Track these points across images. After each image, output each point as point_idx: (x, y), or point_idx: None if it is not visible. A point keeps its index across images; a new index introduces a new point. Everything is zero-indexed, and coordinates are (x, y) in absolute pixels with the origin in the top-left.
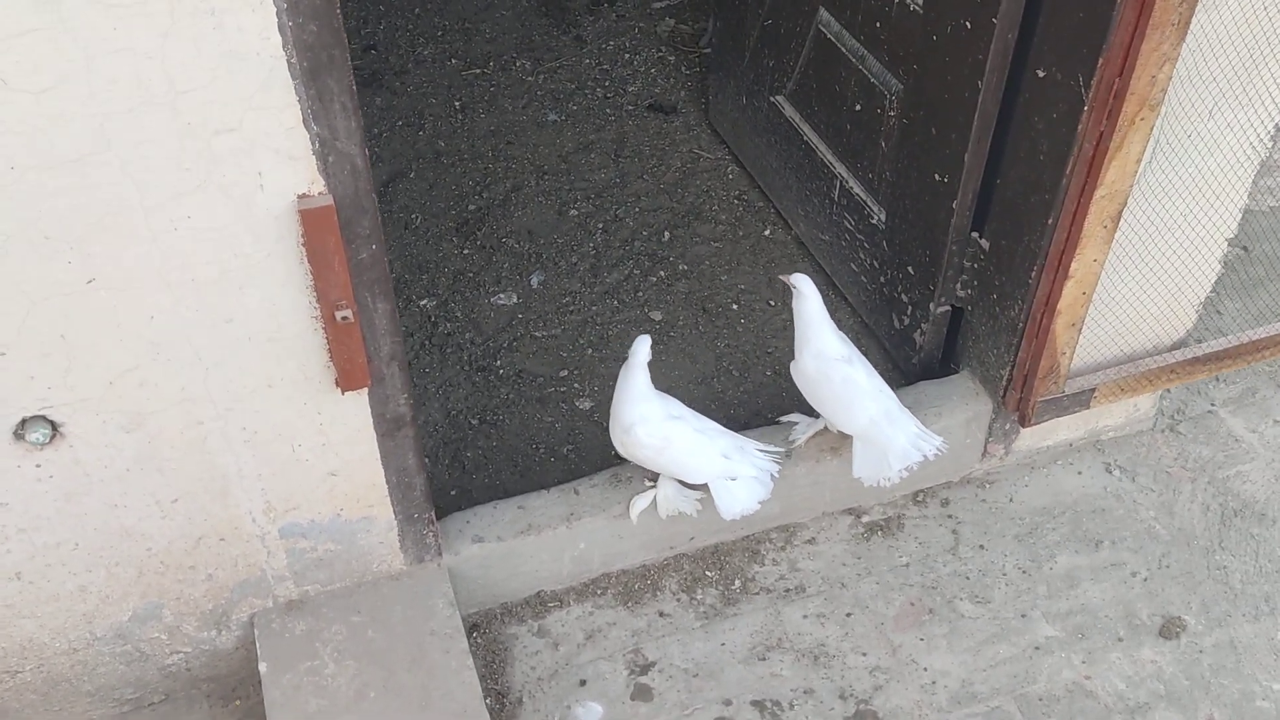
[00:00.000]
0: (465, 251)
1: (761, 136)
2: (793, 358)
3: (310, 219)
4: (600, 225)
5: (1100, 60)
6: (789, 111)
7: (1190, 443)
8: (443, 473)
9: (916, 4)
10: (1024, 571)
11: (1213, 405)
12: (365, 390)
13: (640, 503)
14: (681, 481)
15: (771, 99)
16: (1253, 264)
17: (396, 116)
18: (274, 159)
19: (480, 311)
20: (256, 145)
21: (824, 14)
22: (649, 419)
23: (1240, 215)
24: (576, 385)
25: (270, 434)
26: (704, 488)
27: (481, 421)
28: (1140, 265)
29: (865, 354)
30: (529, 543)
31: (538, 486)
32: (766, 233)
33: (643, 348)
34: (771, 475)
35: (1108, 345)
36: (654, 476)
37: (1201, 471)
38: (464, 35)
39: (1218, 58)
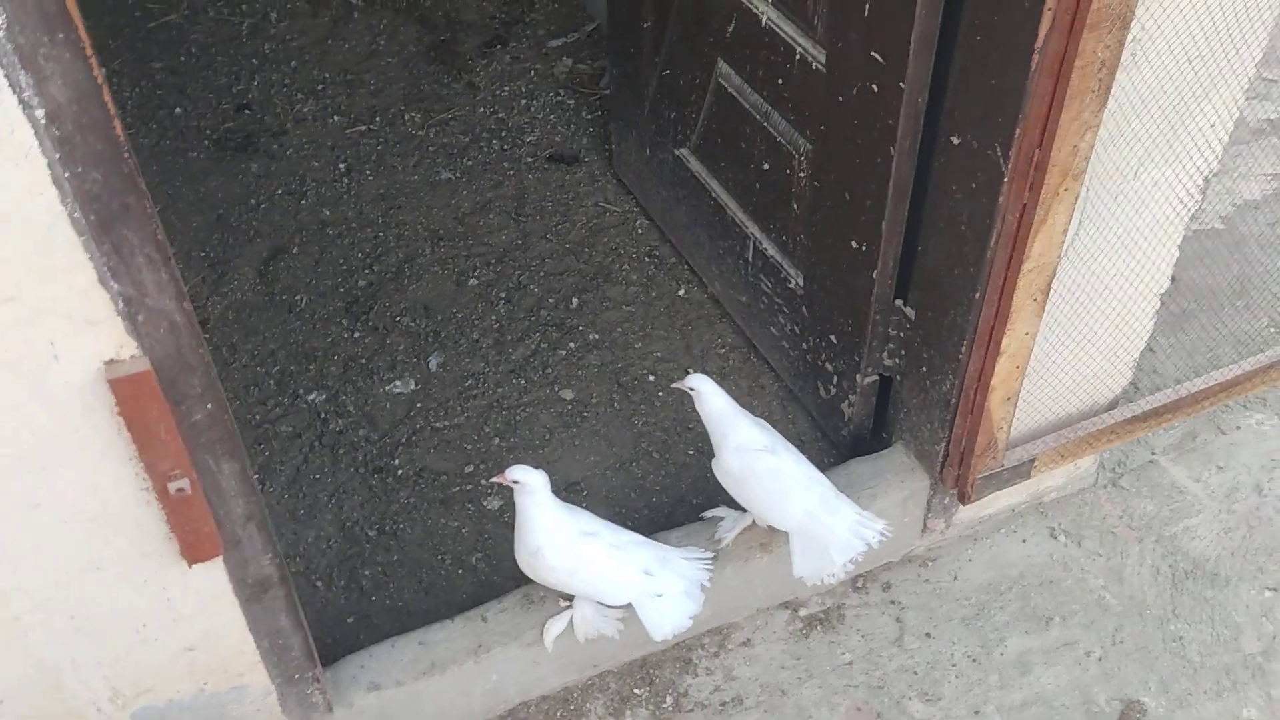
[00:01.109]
0: (356, 334)
1: (668, 190)
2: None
3: (123, 387)
4: (502, 295)
5: (1017, 130)
6: (694, 166)
7: (1134, 498)
8: (338, 596)
9: (819, 63)
10: (974, 660)
11: (1153, 454)
12: (219, 558)
13: (555, 627)
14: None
15: (675, 152)
16: (1180, 294)
17: (275, 184)
18: (67, 326)
19: (375, 403)
20: (42, 313)
21: (723, 66)
22: (556, 539)
23: (1172, 270)
24: (484, 482)
25: (106, 618)
26: (627, 606)
27: (380, 532)
28: (1073, 330)
29: (793, 423)
30: (433, 684)
31: (444, 605)
32: (681, 292)
33: (537, 482)
34: (701, 586)
35: (1044, 411)
36: (570, 596)
37: (1148, 530)
38: (347, 88)
39: (1140, 117)
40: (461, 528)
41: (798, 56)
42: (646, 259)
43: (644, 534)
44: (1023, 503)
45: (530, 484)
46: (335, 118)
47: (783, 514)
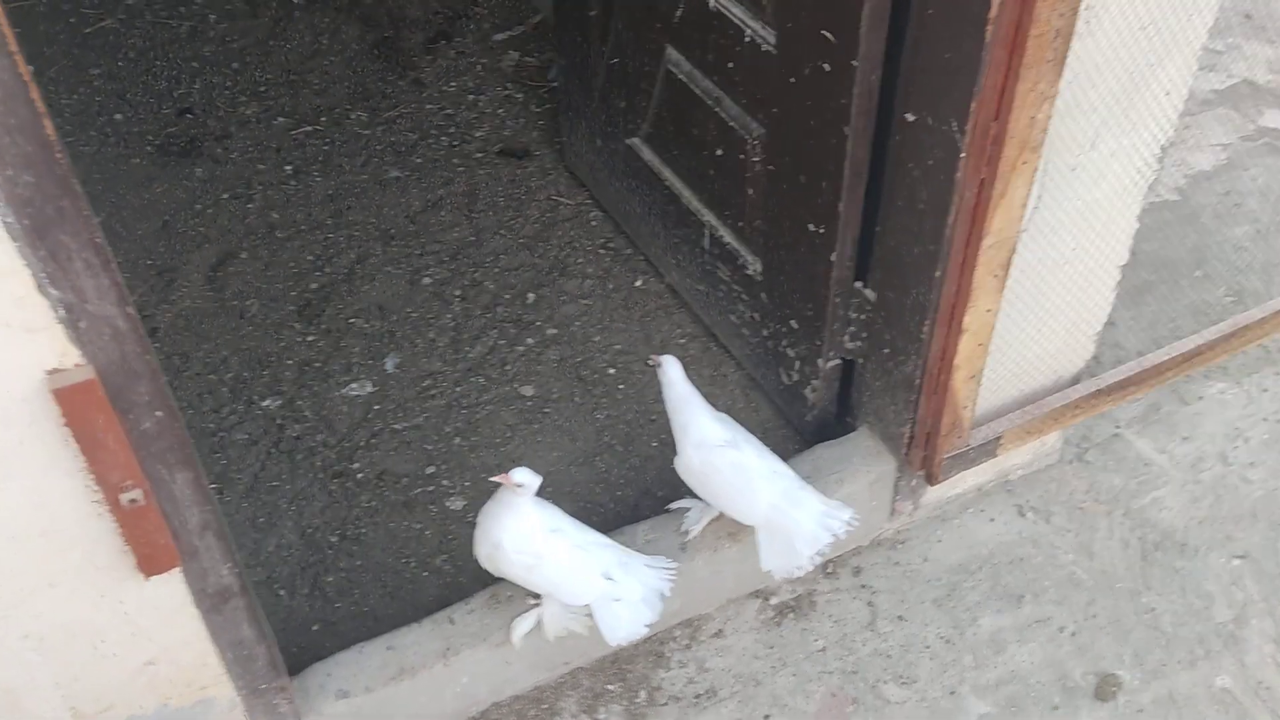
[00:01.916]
0: (310, 338)
1: (621, 180)
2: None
3: (68, 397)
4: (457, 292)
5: (973, 104)
6: (647, 155)
7: (1100, 472)
8: (302, 604)
9: (769, 44)
10: (947, 641)
11: (1118, 427)
12: (177, 569)
13: (523, 624)
14: None
15: (627, 141)
16: (1138, 266)
17: (221, 188)
18: (5, 335)
19: (331, 407)
20: None
21: (672, 53)
22: (519, 534)
23: (1131, 242)
24: (446, 482)
25: (62, 636)
26: (587, 606)
27: (342, 537)
28: (1034, 305)
29: (756, 411)
30: (403, 689)
31: (410, 608)
32: (638, 284)
33: (536, 485)
34: (661, 595)
35: (1008, 388)
36: (537, 594)
37: (1116, 503)
38: (290, 88)
39: (1096, 86)
40: (425, 530)
41: (747, 38)
42: (602, 251)
43: (610, 529)
44: (989, 481)
45: (526, 484)
46: (280, 119)
47: (747, 509)
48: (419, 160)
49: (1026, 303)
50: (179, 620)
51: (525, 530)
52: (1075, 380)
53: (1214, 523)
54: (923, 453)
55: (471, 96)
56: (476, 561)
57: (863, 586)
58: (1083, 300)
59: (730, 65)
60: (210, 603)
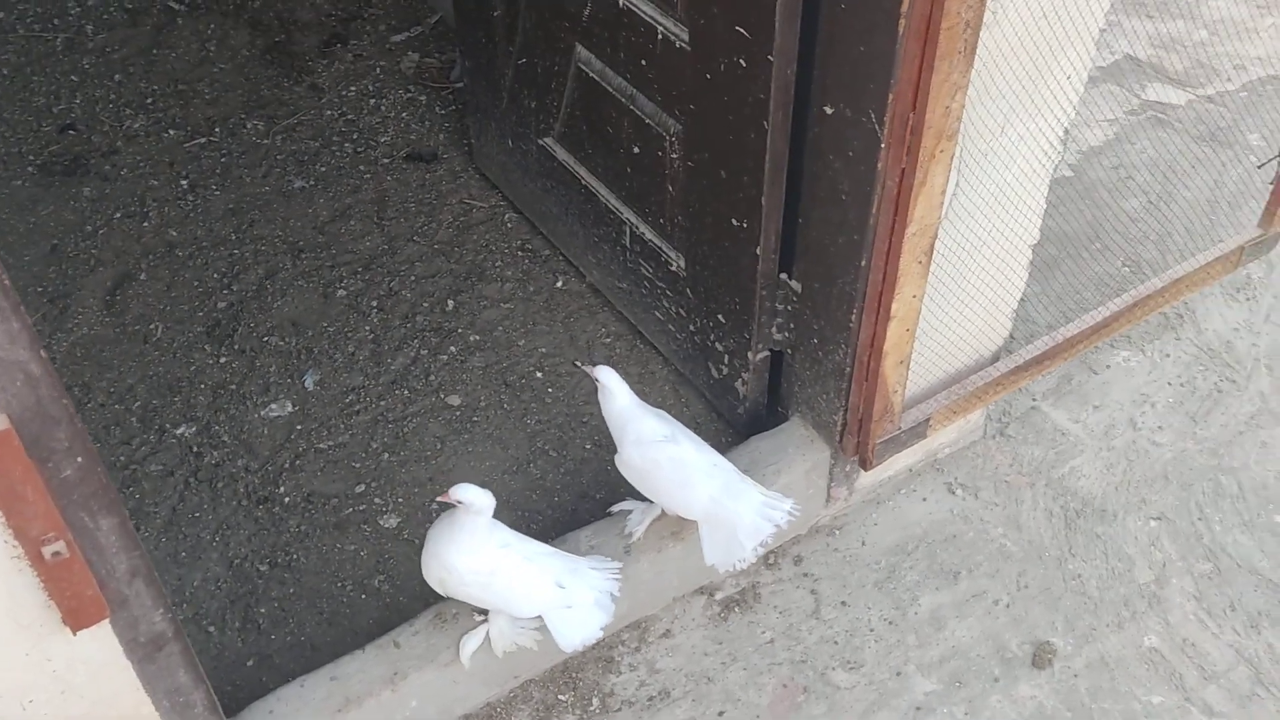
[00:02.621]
0: (222, 359)
1: (535, 181)
2: (614, 448)
3: None
4: (374, 303)
5: (890, 96)
6: (561, 155)
7: (1021, 445)
8: (234, 639)
9: (683, 41)
10: (890, 623)
11: (1034, 401)
12: (106, 620)
13: (471, 642)
14: None
15: (540, 142)
16: (1043, 243)
17: (113, 207)
18: None
19: (251, 430)
20: None
21: (582, 51)
22: (472, 554)
23: (1041, 221)
24: (377, 500)
25: None
26: (538, 618)
27: (272, 565)
28: (954, 288)
29: (686, 406)
30: (350, 719)
31: (350, 634)
32: (559, 284)
33: (484, 503)
34: (611, 595)
35: (933, 370)
36: (484, 610)
37: (1038, 474)
38: (179, 99)
39: (1003, 73)
40: (359, 551)
41: (660, 36)
42: (519, 253)
43: (550, 536)
44: (919, 462)
45: (478, 505)
46: (170, 132)
47: (688, 503)
48: (323, 169)
49: (948, 286)
50: (110, 673)
51: (478, 550)
52: (995, 357)
53: (1129, 487)
54: (856, 439)
55: (373, 100)
56: (416, 580)
57: (805, 575)
58: (1000, 280)
59: (643, 63)
60: (143, 652)
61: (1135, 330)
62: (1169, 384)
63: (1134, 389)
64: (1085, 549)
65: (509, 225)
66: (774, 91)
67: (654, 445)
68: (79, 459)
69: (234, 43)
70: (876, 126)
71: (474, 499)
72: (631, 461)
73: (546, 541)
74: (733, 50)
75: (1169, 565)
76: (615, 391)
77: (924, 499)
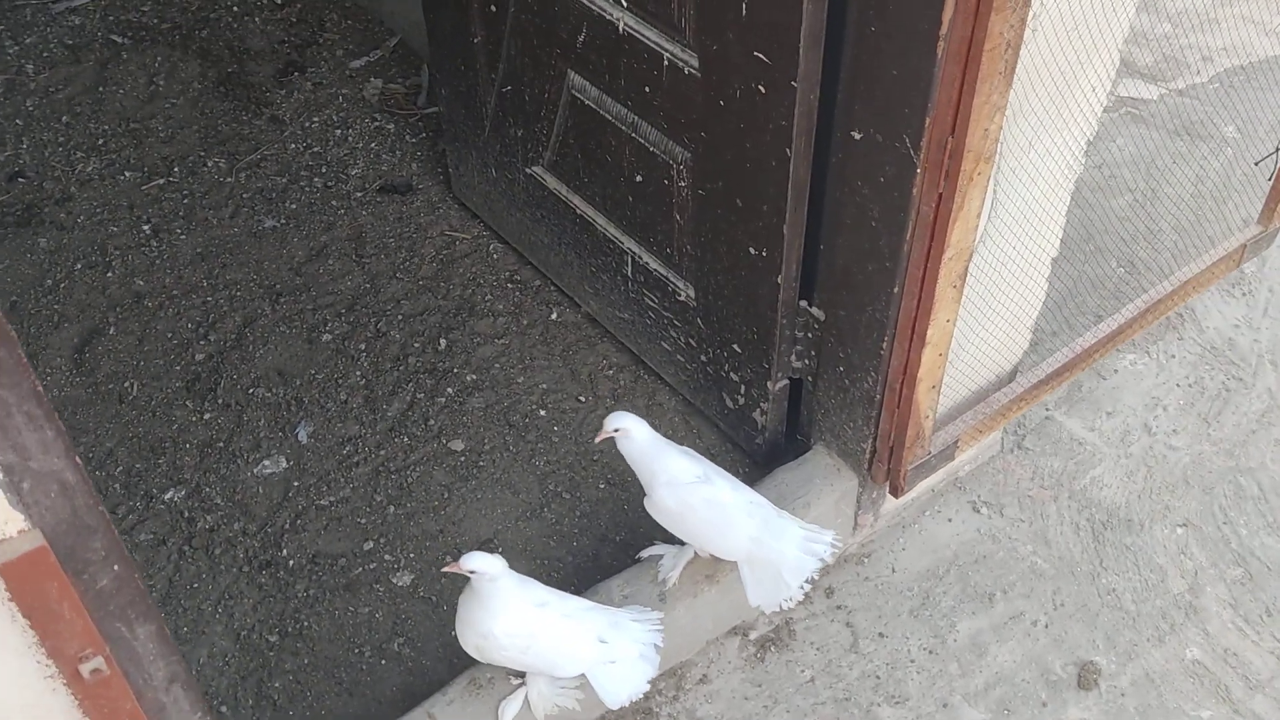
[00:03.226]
0: (206, 415)
1: (523, 211)
2: (642, 492)
3: (15, 571)
4: (362, 346)
5: (927, 120)
6: (552, 183)
7: (1040, 457)
8: (248, 718)
9: (692, 67)
10: (930, 652)
11: (1048, 411)
12: None
13: (511, 708)
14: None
15: (528, 170)
16: None
17: (73, 258)
18: None
19: (245, 489)
20: None
21: (575, 78)
22: (509, 618)
23: (1061, 234)
24: (388, 557)
25: None
26: (577, 675)
27: (282, 635)
28: (983, 307)
29: (699, 437)
30: None
31: (373, 703)
32: (554, 316)
33: (497, 568)
34: (656, 646)
35: (959, 390)
36: (520, 672)
37: (1060, 487)
38: (132, 139)
39: (1035, 90)
40: (374, 613)
41: (665, 62)
42: (509, 285)
43: (574, 584)
44: (941, 481)
45: (490, 572)
46: (126, 174)
47: (728, 545)
48: (293, 206)
49: (976, 305)
50: None
51: (514, 613)
52: (1014, 372)
53: (1151, 494)
54: (887, 466)
55: (339, 131)
56: (438, 640)
57: (838, 608)
58: (1022, 295)
59: (647, 89)
60: None
61: (1141, 334)
62: (1178, 385)
63: (1144, 392)
64: (1116, 561)
65: (495, 256)
66: (797, 118)
67: (688, 487)
68: (115, 566)
69: (184, 75)
70: (911, 151)
71: (484, 566)
72: (665, 505)
73: (577, 593)
74: (751, 76)
75: (1201, 573)
76: (638, 434)
77: (949, 520)
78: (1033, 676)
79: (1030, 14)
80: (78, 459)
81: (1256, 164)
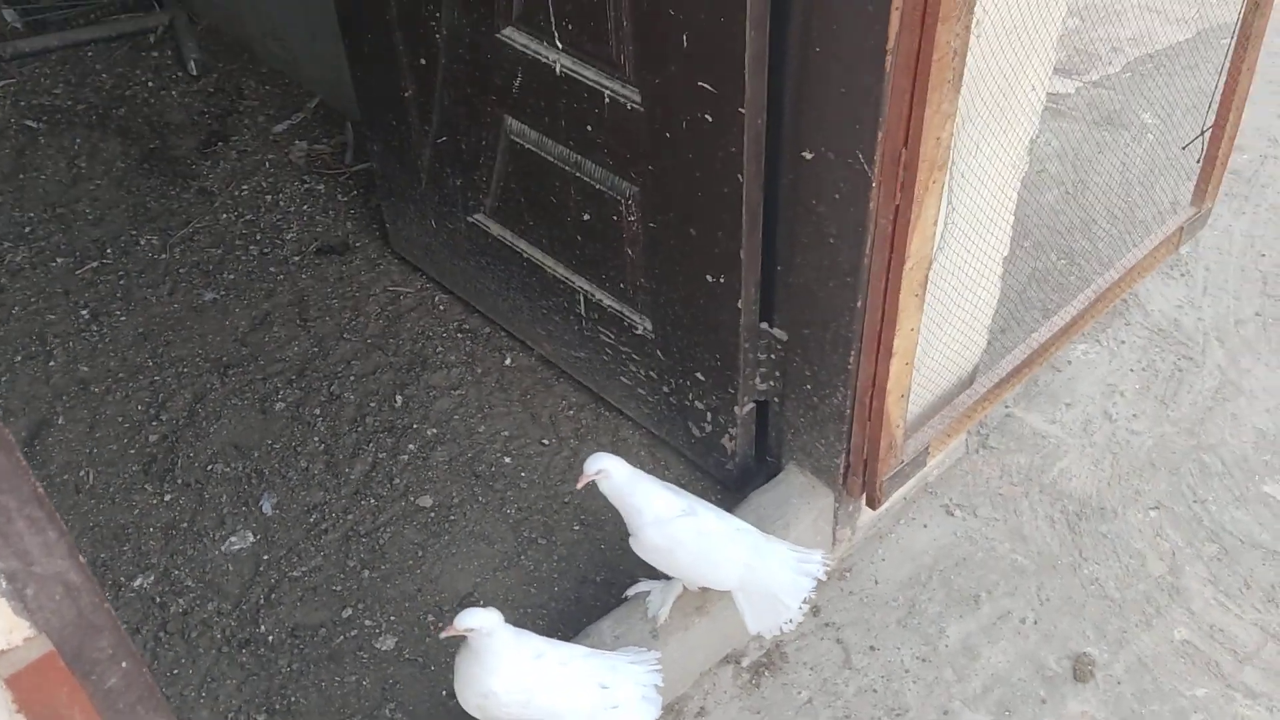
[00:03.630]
0: (166, 497)
1: (466, 259)
2: (621, 528)
3: (23, 681)
4: (317, 411)
5: (880, 134)
6: (496, 230)
7: (1006, 454)
8: None
9: (634, 102)
10: (924, 660)
11: (1008, 408)
12: None
13: None
14: None
15: (469, 219)
16: None
17: (12, 350)
18: None
19: (214, 568)
20: None
21: (513, 123)
22: (507, 674)
23: (1010, 232)
24: (368, 622)
25: None
26: None
27: (270, 713)
28: (942, 312)
29: (666, 469)
30: None
31: None
32: (508, 362)
33: (493, 622)
34: (656, 687)
35: (925, 396)
36: None
37: (1029, 482)
38: (60, 223)
39: (980, 94)
40: (361, 680)
41: (607, 100)
42: (459, 335)
43: (561, 629)
44: (912, 488)
45: (487, 626)
46: (58, 260)
47: (721, 575)
48: (231, 276)
49: (937, 310)
50: None
51: (512, 667)
52: (974, 373)
53: (1120, 480)
54: (862, 479)
55: (269, 197)
56: (428, 702)
57: (826, 625)
58: (979, 297)
59: (589, 128)
60: None
61: (1090, 324)
62: (1131, 371)
63: (1100, 381)
64: (1095, 550)
65: (442, 308)
66: (746, 144)
67: (674, 522)
68: (123, 664)
69: (106, 155)
70: (865, 166)
71: (480, 622)
72: (652, 542)
73: (566, 639)
74: (696, 106)
75: (1178, 554)
76: (619, 473)
77: (925, 526)
78: (1028, 674)
79: (973, 20)
80: (81, 558)
81: (1184, 148)
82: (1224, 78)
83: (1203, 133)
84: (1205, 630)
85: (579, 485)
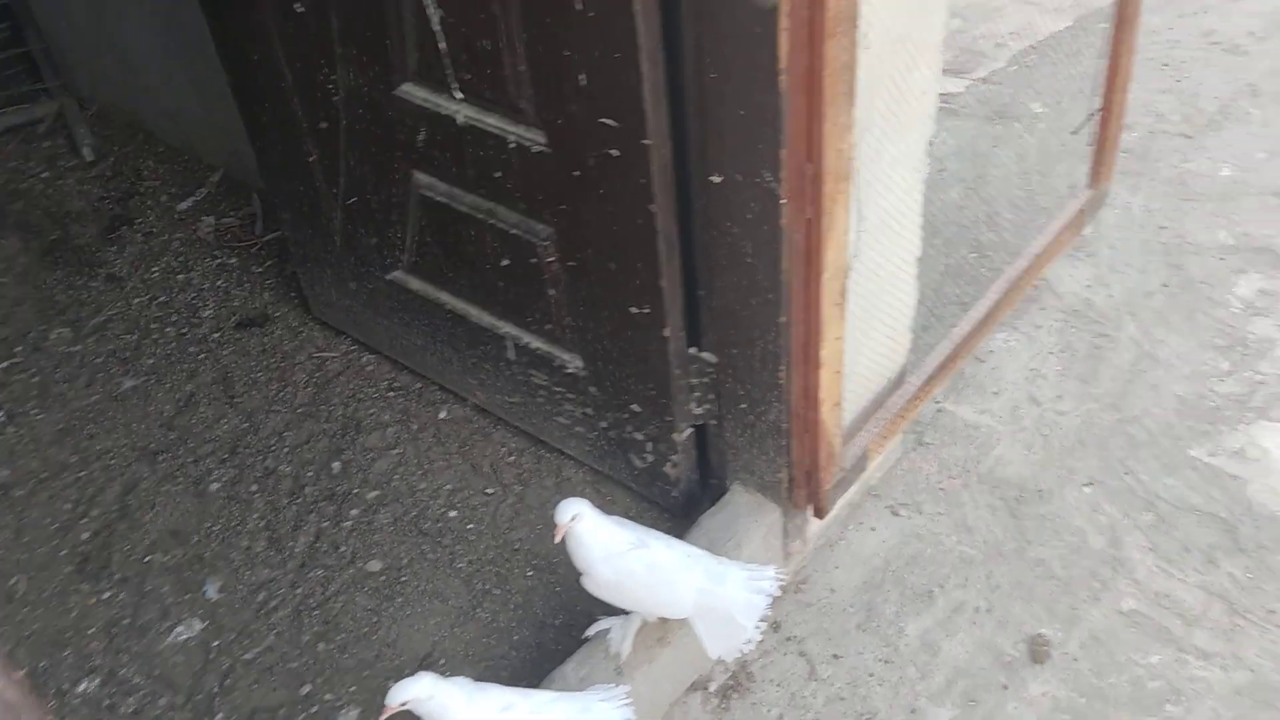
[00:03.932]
0: (105, 594)
1: (389, 318)
2: (573, 570)
3: None
4: (254, 488)
5: (783, 152)
6: (416, 285)
7: (942, 449)
8: None
9: (540, 145)
10: (886, 662)
11: (938, 403)
12: None
13: None
14: None
15: (388, 277)
16: None
17: None
18: None
19: (162, 662)
20: None
21: (422, 177)
22: None
23: (921, 233)
24: (328, 696)
25: None
26: None
27: None
28: (864, 318)
29: (612, 504)
30: None
31: None
32: (443, 415)
33: (427, 689)
34: None
35: (858, 401)
36: None
37: (968, 474)
38: None
39: (874, 102)
40: None
41: (513, 145)
42: (390, 394)
43: (526, 676)
44: (856, 493)
45: (420, 694)
46: None
47: (675, 604)
48: (150, 361)
49: (859, 317)
50: None
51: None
52: (903, 373)
53: (1053, 461)
54: (806, 491)
55: (181, 276)
56: None
57: (788, 639)
58: (898, 299)
59: (498, 175)
60: None
61: (1007, 313)
62: (1050, 354)
63: (1022, 367)
64: (1037, 533)
65: (369, 369)
66: (654, 175)
67: (624, 555)
68: None
69: (6, 252)
70: (774, 184)
71: (411, 694)
72: (604, 578)
73: (533, 686)
74: (601, 143)
75: (1116, 526)
76: (590, 512)
77: (873, 529)
78: (988, 663)
79: (859, 33)
80: (18, 672)
81: (1073, 133)
82: (1106, 61)
83: (1090, 116)
84: (1152, 598)
85: (557, 538)
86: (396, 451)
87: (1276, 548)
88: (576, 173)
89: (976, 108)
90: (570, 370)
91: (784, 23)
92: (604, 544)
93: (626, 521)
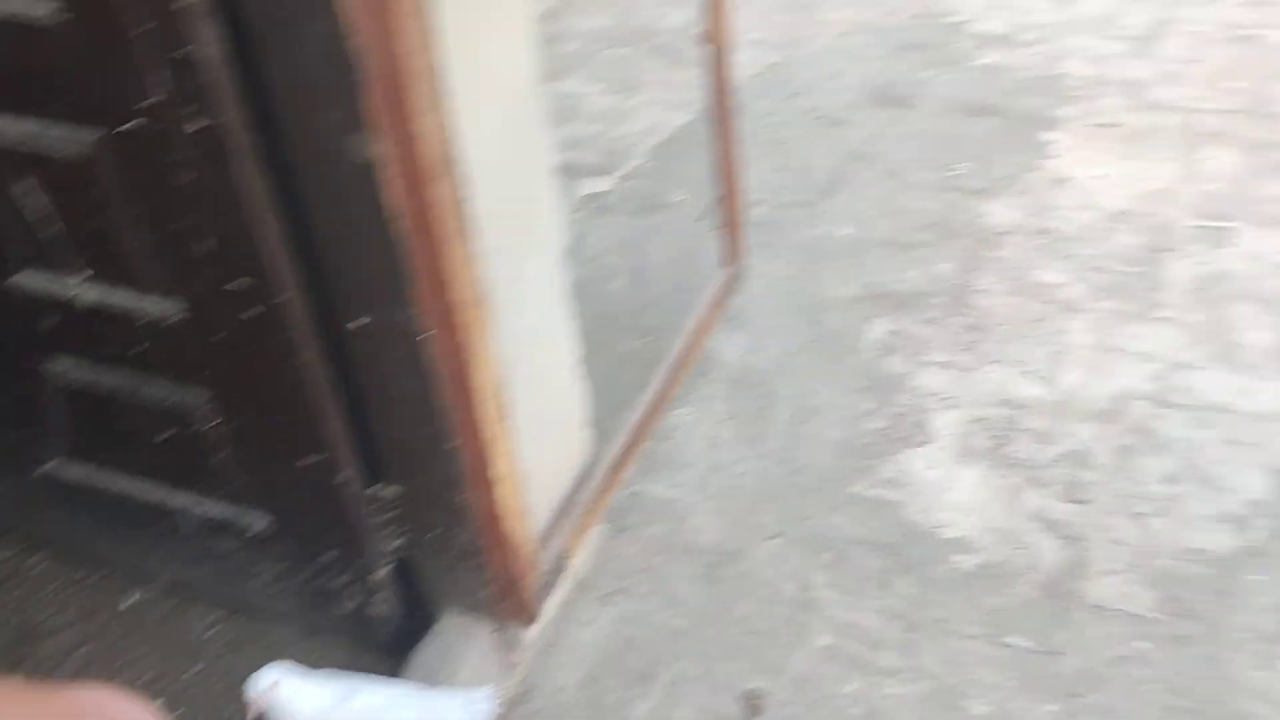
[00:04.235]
0: None
1: (48, 512)
2: None
3: None
4: None
5: (412, 290)
6: (74, 474)
7: (642, 530)
8: None
9: (178, 314)
10: None
11: (632, 487)
12: None
13: None
14: None
15: (40, 471)
16: None
17: None
18: None
19: None
20: None
21: (57, 366)
22: None
23: (577, 336)
24: None
25: None
26: None
27: None
28: (533, 426)
29: (327, 655)
30: None
31: None
32: (131, 602)
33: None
34: None
35: (548, 504)
36: None
37: (669, 549)
38: None
39: (498, 229)
40: None
41: (147, 319)
42: (66, 592)
43: None
44: (568, 591)
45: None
46: None
47: None
48: None
49: (530, 426)
50: None
51: None
52: (590, 467)
53: (741, 521)
54: (511, 602)
55: None
56: None
57: None
58: (567, 401)
59: (141, 350)
60: None
61: (679, 389)
62: (724, 421)
63: (702, 437)
64: (736, 592)
65: (37, 570)
66: (297, 327)
67: (331, 713)
68: None
69: None
70: (410, 324)
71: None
72: None
73: None
74: (241, 304)
75: (801, 570)
76: (292, 678)
77: (588, 623)
78: None
79: (464, 172)
80: None
81: (697, 221)
82: (718, 153)
83: (713, 204)
84: (842, 630)
85: (249, 718)
86: (83, 651)
87: (935, 562)
88: (222, 334)
89: (625, 203)
90: (254, 531)
91: (386, 172)
92: (310, 705)
93: (334, 673)
